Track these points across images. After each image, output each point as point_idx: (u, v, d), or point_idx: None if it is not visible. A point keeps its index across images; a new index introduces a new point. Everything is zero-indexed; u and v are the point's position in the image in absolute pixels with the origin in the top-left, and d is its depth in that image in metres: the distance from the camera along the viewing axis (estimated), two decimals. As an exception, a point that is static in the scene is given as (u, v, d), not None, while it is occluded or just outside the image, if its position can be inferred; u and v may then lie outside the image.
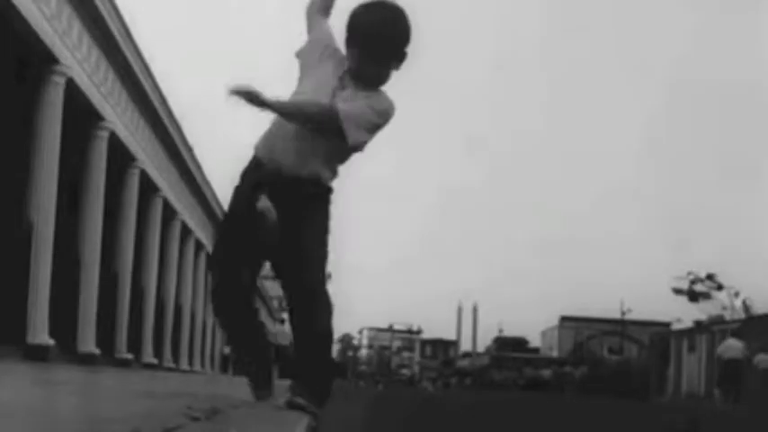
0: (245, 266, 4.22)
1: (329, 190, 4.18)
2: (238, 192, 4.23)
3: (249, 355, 4.50)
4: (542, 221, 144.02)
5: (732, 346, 23.57)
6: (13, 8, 14.65)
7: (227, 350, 39.90)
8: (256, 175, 4.10)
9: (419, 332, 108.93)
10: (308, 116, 4.01)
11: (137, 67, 22.18)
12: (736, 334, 26.06)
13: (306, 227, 4.08)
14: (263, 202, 4.01)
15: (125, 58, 21.12)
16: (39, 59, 16.60)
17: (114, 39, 19.93)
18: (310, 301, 4.07)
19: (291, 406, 4.00)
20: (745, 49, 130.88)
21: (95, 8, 18.45)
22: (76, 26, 18.07)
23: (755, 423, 8.94)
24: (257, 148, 4.15)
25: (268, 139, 4.14)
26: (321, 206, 4.15)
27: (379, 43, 3.98)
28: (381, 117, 4.06)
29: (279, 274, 4.14)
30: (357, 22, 4.02)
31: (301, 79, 4.19)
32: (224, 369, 38.76)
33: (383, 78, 4.07)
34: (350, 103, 3.99)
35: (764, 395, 24.03)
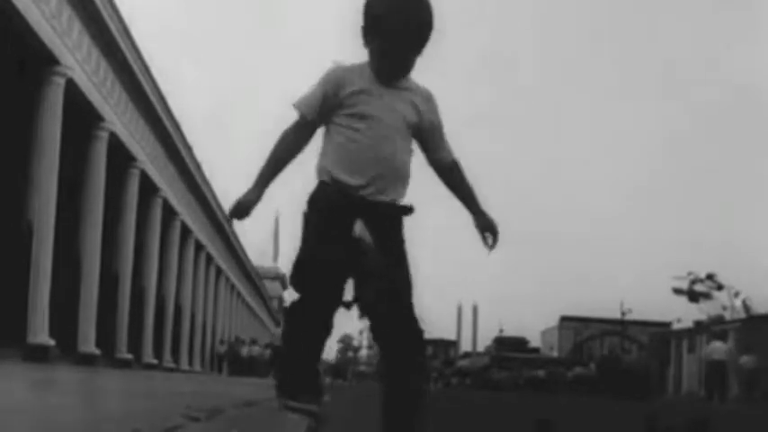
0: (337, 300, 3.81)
1: (410, 211, 3.91)
2: (323, 221, 3.77)
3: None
4: (542, 221, 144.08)
5: (717, 349, 24.37)
6: (14, 9, 14.66)
7: (221, 349, 39.84)
8: (340, 201, 3.74)
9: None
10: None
11: (137, 68, 22.19)
12: (720, 336, 27.12)
13: (400, 250, 3.82)
14: (359, 227, 3.73)
15: (125, 59, 21.13)
16: (39, 60, 16.61)
17: (114, 39, 19.94)
18: (413, 334, 3.80)
19: (297, 411, 3.67)
20: (744, 48, 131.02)
21: (95, 9, 18.45)
22: (76, 27, 18.08)
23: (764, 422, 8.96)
24: (330, 172, 3.75)
25: (345, 162, 3.76)
26: (401, 229, 3.89)
27: (410, 28, 3.67)
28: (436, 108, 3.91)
29: (365, 304, 3.76)
30: (379, 10, 3.66)
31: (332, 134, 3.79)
32: (219, 369, 38.70)
33: (411, 66, 3.77)
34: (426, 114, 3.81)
35: (751, 394, 25.71)
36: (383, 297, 3.72)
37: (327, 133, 3.75)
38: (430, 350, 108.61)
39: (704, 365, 26.42)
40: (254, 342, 41.00)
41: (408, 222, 3.76)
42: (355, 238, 3.69)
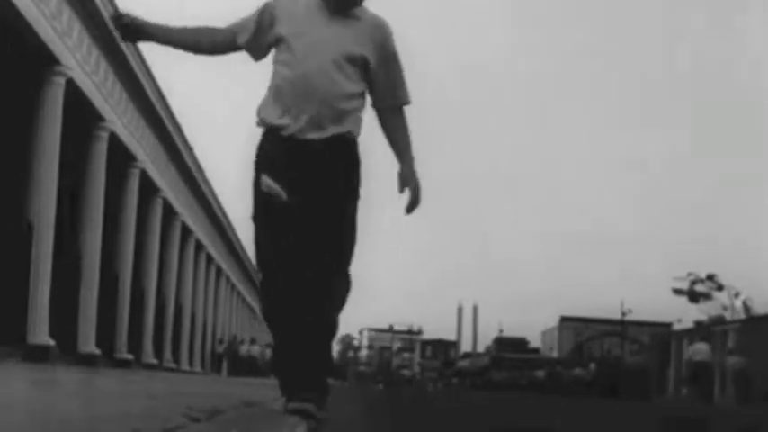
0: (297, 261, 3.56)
1: (355, 144, 3.66)
2: (258, 180, 3.66)
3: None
4: (543, 222, 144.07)
5: (700, 350, 25.04)
6: (14, 9, 14.65)
7: (220, 349, 39.81)
8: (274, 148, 3.59)
9: (419, 333, 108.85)
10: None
11: (137, 68, 22.19)
12: (704, 338, 28.02)
13: (341, 197, 3.59)
14: (264, 182, 3.54)
15: (125, 59, 21.12)
16: (39, 60, 16.60)
17: (114, 39, 19.92)
18: (334, 283, 3.60)
19: (297, 412, 3.60)
20: (745, 48, 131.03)
21: (95, 9, 18.45)
22: (77, 27, 18.07)
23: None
24: (259, 115, 3.64)
25: (276, 102, 3.59)
26: (353, 168, 3.64)
27: None
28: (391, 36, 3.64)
29: (296, 252, 3.53)
30: None
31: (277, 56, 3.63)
32: (217, 369, 38.67)
33: None
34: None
35: (739, 394, 26.56)
36: (293, 254, 3.48)
37: (272, 74, 3.62)
38: (429, 350, 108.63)
39: (687, 366, 27.16)
40: (253, 341, 40.99)
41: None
42: (264, 193, 3.52)
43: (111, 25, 3.75)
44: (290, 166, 3.51)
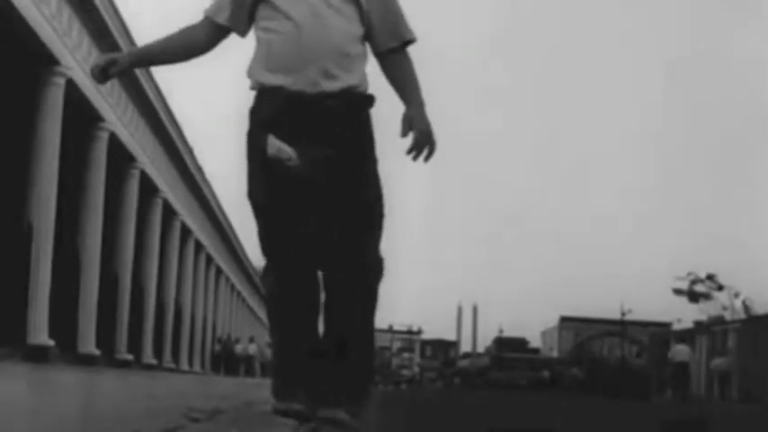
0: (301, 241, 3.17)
1: (370, 100, 3.26)
2: (255, 146, 3.21)
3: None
4: (543, 222, 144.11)
5: (681, 351, 26.28)
6: (13, 9, 14.65)
7: (218, 348, 39.80)
8: (273, 111, 3.17)
9: (419, 333, 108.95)
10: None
11: (137, 68, 22.18)
12: (684, 339, 29.68)
13: (362, 159, 3.19)
14: (270, 145, 3.09)
15: (125, 59, 21.11)
16: (39, 60, 16.60)
17: (114, 39, 19.93)
18: (367, 269, 3.21)
19: (327, 423, 3.11)
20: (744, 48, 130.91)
21: (95, 9, 18.45)
22: (76, 27, 18.07)
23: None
24: (253, 76, 3.26)
25: (269, 59, 3.22)
26: (365, 128, 3.24)
27: None
28: None
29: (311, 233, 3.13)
30: None
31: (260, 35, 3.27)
32: (216, 368, 38.68)
33: None
34: None
35: (723, 394, 28.83)
36: (311, 230, 3.08)
37: (257, 40, 3.27)
38: (429, 350, 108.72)
39: (668, 366, 28.57)
40: (251, 340, 40.95)
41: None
42: (271, 159, 3.06)
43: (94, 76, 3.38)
44: (295, 126, 3.11)
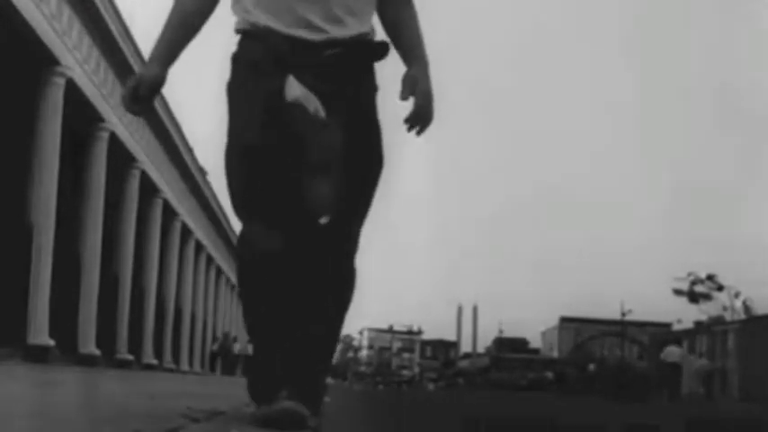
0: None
1: (385, 49, 2.74)
2: (244, 89, 2.65)
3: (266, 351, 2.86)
4: (543, 222, 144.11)
5: (672, 352, 27.00)
6: (13, 8, 14.65)
7: (214, 347, 39.78)
8: (269, 55, 2.61)
9: (419, 333, 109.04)
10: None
11: (137, 68, 22.17)
12: (678, 341, 30.96)
13: (361, 116, 2.68)
14: (293, 88, 2.50)
15: (125, 59, 21.11)
16: (38, 60, 16.60)
17: (114, 39, 19.94)
18: (346, 248, 2.75)
19: (281, 416, 2.67)
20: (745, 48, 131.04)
21: (95, 9, 18.45)
22: (76, 27, 18.07)
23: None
24: (248, 17, 2.70)
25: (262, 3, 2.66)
26: (373, 89, 2.75)
27: None
28: None
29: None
30: None
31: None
32: (212, 368, 38.66)
33: None
34: None
35: (708, 393, 30.26)
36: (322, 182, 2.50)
37: None
38: (429, 351, 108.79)
39: (658, 367, 29.81)
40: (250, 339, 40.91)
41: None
42: (290, 104, 2.48)
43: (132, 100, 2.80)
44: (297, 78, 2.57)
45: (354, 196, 2.68)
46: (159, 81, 2.82)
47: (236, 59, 2.72)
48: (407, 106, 2.77)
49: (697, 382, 31.25)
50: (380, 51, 2.72)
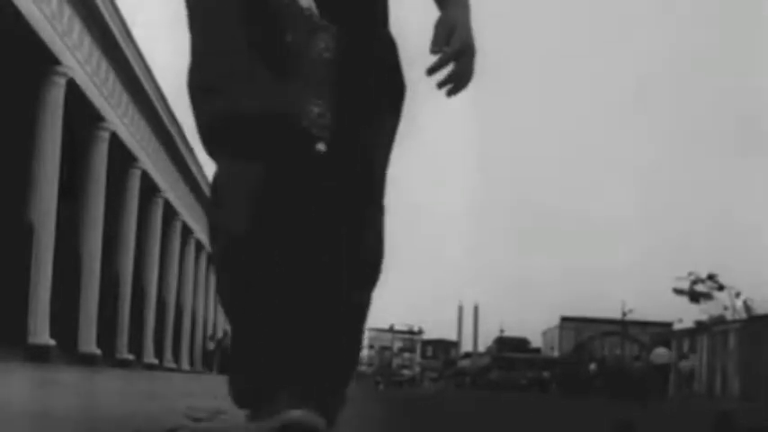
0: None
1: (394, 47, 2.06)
2: None
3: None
4: (543, 222, 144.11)
5: (661, 354, 27.93)
6: (14, 9, 14.66)
7: (211, 345, 39.77)
8: None
9: (420, 333, 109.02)
10: None
11: (138, 68, 22.20)
12: (665, 343, 31.95)
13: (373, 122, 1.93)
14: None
15: (126, 59, 21.14)
16: (39, 60, 16.61)
17: (115, 40, 19.95)
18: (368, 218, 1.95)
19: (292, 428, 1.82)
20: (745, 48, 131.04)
21: (96, 9, 18.46)
22: (77, 27, 18.08)
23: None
24: None
25: None
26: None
27: None
28: None
29: None
30: None
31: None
32: (209, 366, 38.64)
33: None
34: None
35: (689, 393, 31.22)
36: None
37: None
38: (430, 350, 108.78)
39: (649, 368, 30.18)
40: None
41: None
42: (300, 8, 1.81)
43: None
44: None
45: (365, 123, 1.96)
46: None
47: None
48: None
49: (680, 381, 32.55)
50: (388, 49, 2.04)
